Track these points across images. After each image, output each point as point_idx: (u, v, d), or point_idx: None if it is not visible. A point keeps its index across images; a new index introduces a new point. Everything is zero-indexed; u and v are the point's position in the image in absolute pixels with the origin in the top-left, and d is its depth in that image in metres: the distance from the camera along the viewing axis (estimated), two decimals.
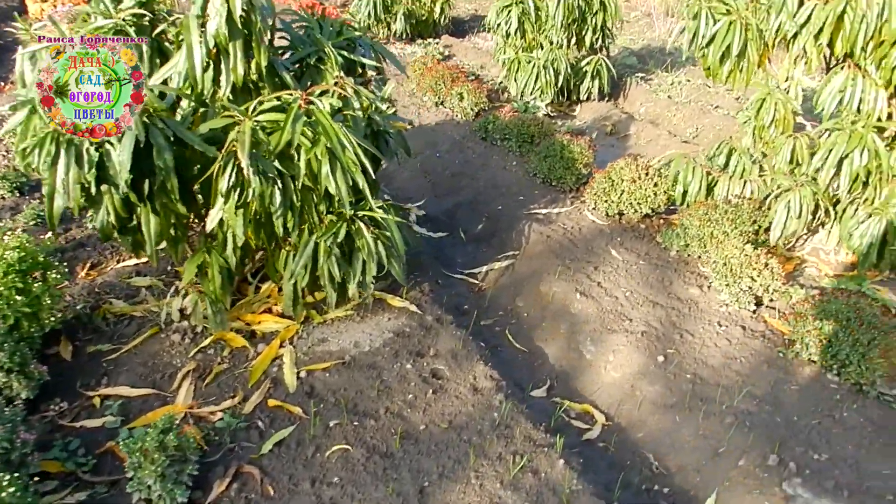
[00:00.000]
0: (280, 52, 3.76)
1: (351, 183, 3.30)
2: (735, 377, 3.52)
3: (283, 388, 3.39)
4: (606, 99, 7.96)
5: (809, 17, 4.16)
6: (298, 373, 3.48)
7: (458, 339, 3.70)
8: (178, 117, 3.36)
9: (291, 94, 3.26)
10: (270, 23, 3.37)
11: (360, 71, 3.90)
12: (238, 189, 3.15)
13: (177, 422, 3.15)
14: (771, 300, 4.07)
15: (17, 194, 5.18)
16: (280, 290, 3.82)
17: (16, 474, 2.44)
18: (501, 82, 8.04)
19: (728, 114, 7.07)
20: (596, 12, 7.41)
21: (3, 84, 7.66)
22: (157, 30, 3.39)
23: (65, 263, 4.22)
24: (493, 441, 3.06)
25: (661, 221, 5.01)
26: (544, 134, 6.02)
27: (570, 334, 3.99)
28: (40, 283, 3.37)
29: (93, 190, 3.07)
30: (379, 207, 3.62)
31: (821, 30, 4.13)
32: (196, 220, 3.72)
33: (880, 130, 4.19)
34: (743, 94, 7.45)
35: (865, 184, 4.19)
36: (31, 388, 3.12)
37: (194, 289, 3.66)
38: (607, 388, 3.65)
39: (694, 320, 3.93)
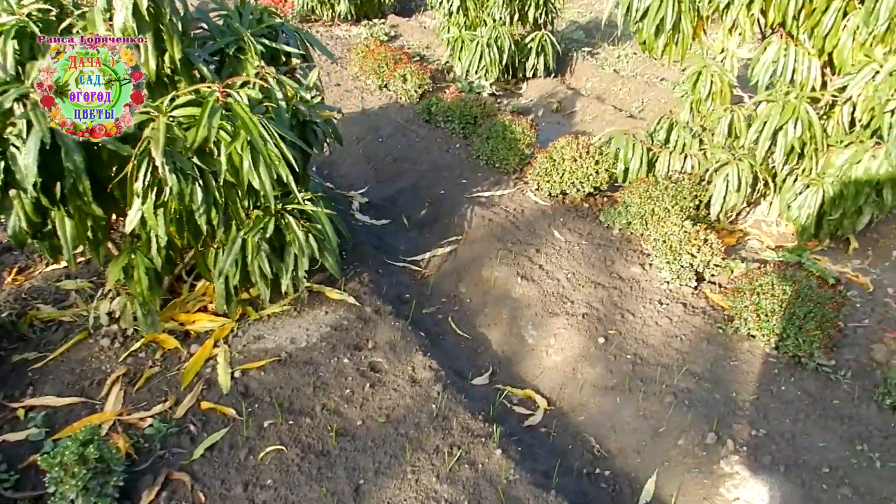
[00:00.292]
0: (201, 43, 3.63)
1: (276, 176, 3.19)
2: (675, 355, 3.52)
3: (217, 389, 3.30)
4: (553, 75, 7.89)
5: None
6: (233, 373, 3.39)
7: (397, 329, 3.64)
8: None
9: (209, 88, 3.14)
10: (182, 13, 3.22)
11: (285, 59, 3.77)
12: (155, 188, 3.03)
13: (104, 431, 3.09)
14: (712, 276, 4.07)
15: None
16: (215, 288, 3.71)
17: None
18: (447, 62, 7.93)
19: (674, 87, 7.06)
20: None
21: None
22: (64, 24, 3.22)
23: None
24: (431, 433, 3.01)
25: (605, 200, 4.98)
26: (487, 115, 5.94)
27: (512, 319, 3.95)
28: None
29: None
30: (308, 199, 3.53)
31: (752, 0, 4.10)
32: (120, 221, 3.59)
33: (815, 101, 4.19)
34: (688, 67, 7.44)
35: (802, 155, 4.20)
36: None
37: (123, 291, 3.54)
38: (549, 373, 3.62)
39: (635, 299, 3.91)
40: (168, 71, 3.28)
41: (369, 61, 7.38)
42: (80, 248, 3.42)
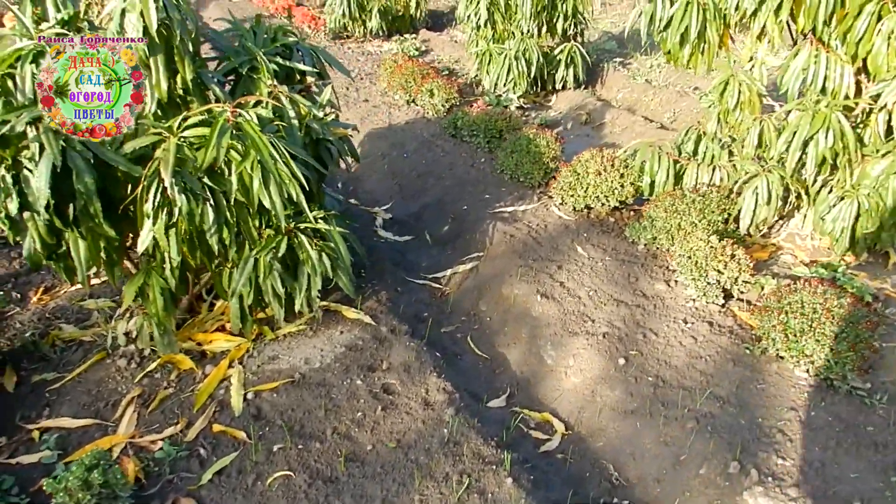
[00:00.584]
0: (217, 62, 3.64)
1: (287, 195, 3.17)
2: (699, 377, 3.38)
3: (230, 411, 3.27)
4: (583, 86, 7.78)
5: None
6: (245, 394, 3.36)
7: (412, 350, 3.57)
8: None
9: (220, 108, 3.13)
10: (194, 35, 3.23)
11: (300, 77, 3.76)
12: (165, 208, 3.03)
13: (115, 454, 3.08)
14: (741, 293, 3.92)
15: None
16: (230, 307, 3.70)
17: None
18: (476, 76, 7.88)
19: (700, 97, 6.89)
20: None
21: None
22: None
23: (15, 291, 4.17)
24: (441, 460, 2.94)
25: (632, 214, 4.86)
26: (512, 128, 5.87)
27: (532, 339, 3.85)
28: None
29: (16, 217, 2.97)
30: (322, 218, 3.50)
31: (780, 5, 3.95)
32: (137, 241, 3.60)
33: (849, 109, 4.02)
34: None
35: (835, 166, 4.02)
36: None
37: (140, 311, 3.55)
38: (568, 395, 3.51)
39: (659, 318, 3.78)
40: (180, 91, 3.29)
41: (397, 77, 7.37)
42: (97, 269, 3.43)
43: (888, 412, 3.10)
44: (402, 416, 3.21)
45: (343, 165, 4.06)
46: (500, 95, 7.32)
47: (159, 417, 3.26)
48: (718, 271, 3.79)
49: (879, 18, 3.73)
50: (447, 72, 8.49)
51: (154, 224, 3.06)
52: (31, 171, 2.89)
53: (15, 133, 2.86)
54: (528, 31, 7.28)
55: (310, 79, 3.79)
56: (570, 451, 3.22)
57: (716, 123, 4.54)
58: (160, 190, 2.96)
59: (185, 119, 3.09)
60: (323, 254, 3.46)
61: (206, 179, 3.09)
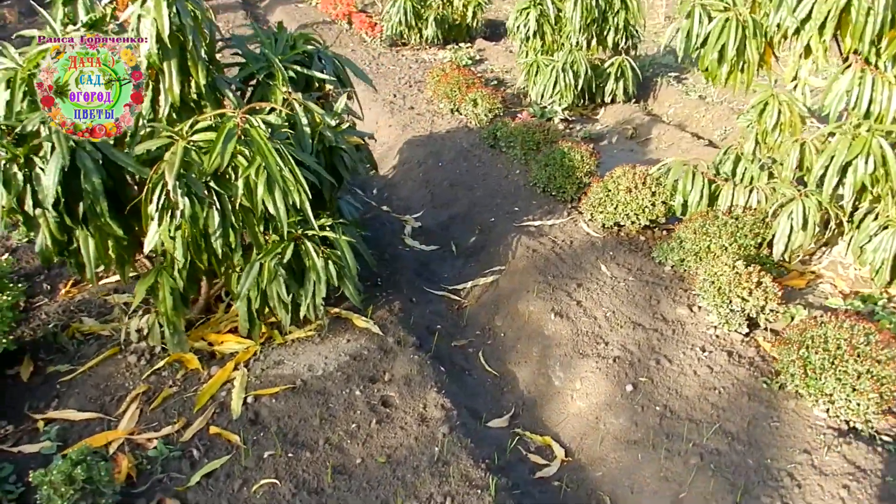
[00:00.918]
0: (239, 68, 3.68)
1: (292, 202, 3.16)
2: (710, 410, 3.21)
3: (228, 414, 3.28)
4: (634, 101, 7.60)
5: (811, 12, 3.79)
6: (246, 398, 3.36)
7: (416, 363, 3.52)
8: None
9: (233, 113, 3.15)
10: (209, 40, 3.27)
11: (318, 85, 3.76)
12: (170, 211, 3.06)
13: (112, 449, 3.13)
14: (768, 321, 3.72)
15: None
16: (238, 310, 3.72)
17: None
18: (523, 87, 7.79)
19: (738, 116, 6.62)
20: (617, 11, 7.08)
21: None
22: None
23: (46, 282, 4.30)
24: (427, 480, 2.87)
25: (664, 234, 4.69)
26: (550, 141, 5.75)
27: (542, 358, 3.74)
28: None
29: (30, 213, 3.06)
30: (329, 226, 3.49)
31: (823, 24, 3.75)
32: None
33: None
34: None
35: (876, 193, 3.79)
36: None
37: (153, 309, 3.61)
38: (572, 420, 3.39)
39: (676, 344, 3.62)
40: (194, 96, 3.33)
41: (442, 85, 7.35)
42: (112, 266, 3.50)
43: None
44: (396, 430, 3.15)
45: (381, 172, 4.04)
46: (545, 107, 7.21)
47: (160, 415, 3.30)
48: (743, 298, 3.61)
49: None
50: (496, 82, 8.43)
51: (159, 225, 3.10)
52: (42, 169, 2.97)
53: (27, 132, 2.95)
54: (578, 43, 7.16)
55: (329, 87, 3.79)
56: (567, 479, 3.10)
57: (753, 144, 4.34)
58: (164, 192, 3.00)
59: (194, 123, 3.13)
60: (329, 261, 3.44)
61: (212, 184, 3.12)
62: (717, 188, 4.50)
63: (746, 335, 3.68)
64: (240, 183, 3.13)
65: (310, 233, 3.44)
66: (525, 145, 5.82)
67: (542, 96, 7.30)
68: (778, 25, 3.96)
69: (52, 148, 2.91)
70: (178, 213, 3.01)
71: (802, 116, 4.15)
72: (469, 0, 10.19)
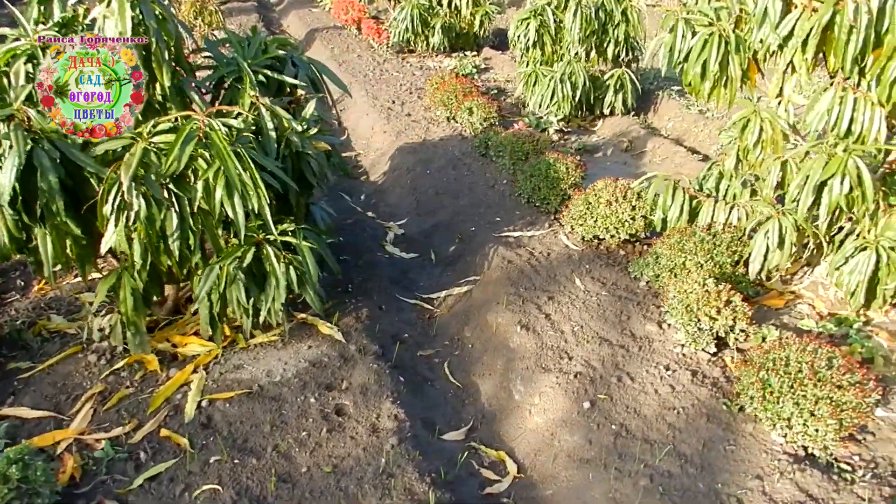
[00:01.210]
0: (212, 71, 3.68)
1: (252, 207, 3.15)
2: (666, 431, 3.14)
3: (181, 417, 3.26)
4: (633, 113, 7.53)
5: (794, 29, 3.73)
6: (200, 401, 3.34)
7: (374, 372, 3.48)
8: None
9: (196, 115, 3.15)
10: (173, 42, 3.27)
11: (289, 90, 3.75)
12: (126, 212, 3.06)
13: (60, 449, 3.12)
14: (737, 341, 3.64)
15: None
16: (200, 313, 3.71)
17: None
18: (521, 96, 7.75)
19: (720, 132, 6.52)
20: (618, 24, 7.02)
21: None
22: None
23: (21, 279, 4.31)
24: (369, 492, 2.83)
25: (644, 248, 4.62)
26: (539, 151, 5.70)
27: (505, 371, 3.69)
28: None
29: None
30: (291, 231, 3.47)
31: (805, 42, 3.68)
32: None
33: (882, 153, 3.71)
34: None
35: (853, 215, 3.71)
36: None
37: (116, 308, 3.61)
38: (528, 435, 3.34)
39: (640, 362, 3.55)
40: (159, 97, 3.33)
41: (440, 93, 7.33)
42: (72, 265, 3.50)
43: (869, 492, 2.79)
44: (346, 440, 3.12)
45: (372, 178, 4.02)
46: (541, 118, 7.16)
47: (113, 416, 3.28)
48: (711, 317, 3.54)
49: None
50: (496, 91, 8.39)
51: (116, 226, 3.09)
52: (0, 167, 2.98)
53: None
54: (577, 54, 7.12)
55: (301, 91, 3.77)
56: (516, 496, 3.04)
57: (735, 160, 4.26)
58: (120, 193, 2.99)
59: (156, 125, 3.13)
60: (291, 267, 3.42)
61: (171, 186, 3.11)
62: (697, 204, 4.43)
63: (714, 354, 3.61)
64: (199, 186, 3.13)
65: (272, 237, 3.42)
66: (514, 155, 5.77)
67: (540, 106, 7.26)
68: (761, 42, 3.89)
69: (11, 146, 2.92)
70: (132, 214, 3.01)
71: (785, 134, 4.07)
72: (477, 9, 10.17)
